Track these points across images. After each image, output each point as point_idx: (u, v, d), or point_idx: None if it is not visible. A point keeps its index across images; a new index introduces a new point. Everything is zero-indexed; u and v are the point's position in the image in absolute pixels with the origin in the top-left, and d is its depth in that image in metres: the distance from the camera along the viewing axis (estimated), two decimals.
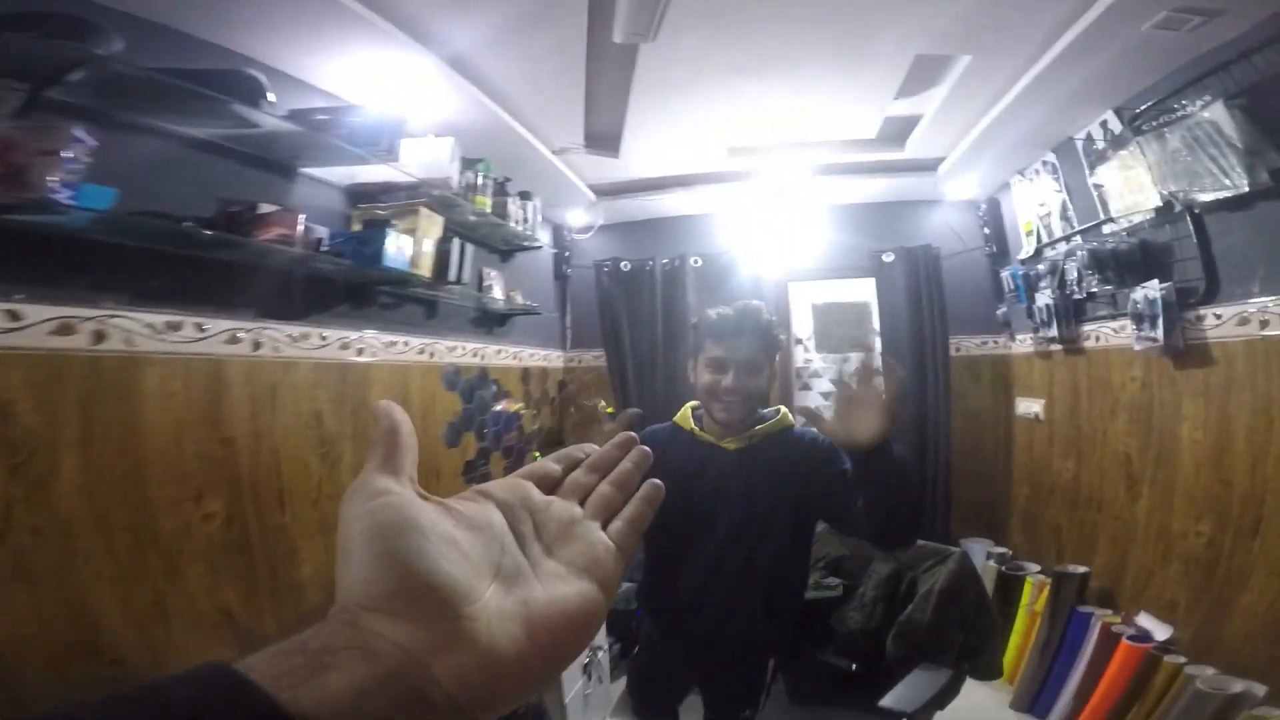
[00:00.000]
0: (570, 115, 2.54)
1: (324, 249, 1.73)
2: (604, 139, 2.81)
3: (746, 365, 1.37)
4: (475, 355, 2.76)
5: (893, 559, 2.04)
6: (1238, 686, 1.73)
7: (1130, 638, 2.14)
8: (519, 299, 2.94)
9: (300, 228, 1.62)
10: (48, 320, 1.25)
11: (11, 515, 1.18)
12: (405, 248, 1.89)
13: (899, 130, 2.84)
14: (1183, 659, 1.94)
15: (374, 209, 2.01)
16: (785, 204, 3.48)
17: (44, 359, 1.25)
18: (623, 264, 3.61)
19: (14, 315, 1.20)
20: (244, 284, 1.66)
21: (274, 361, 1.74)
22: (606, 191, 3.37)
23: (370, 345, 2.11)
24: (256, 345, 1.69)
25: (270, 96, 1.47)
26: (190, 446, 1.52)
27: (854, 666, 2.01)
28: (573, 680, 2.18)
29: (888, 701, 1.72)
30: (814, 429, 1.39)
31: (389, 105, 1.85)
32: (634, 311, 3.55)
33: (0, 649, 1.16)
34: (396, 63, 1.82)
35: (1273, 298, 1.78)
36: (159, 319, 1.45)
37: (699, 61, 2.14)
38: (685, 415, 1.54)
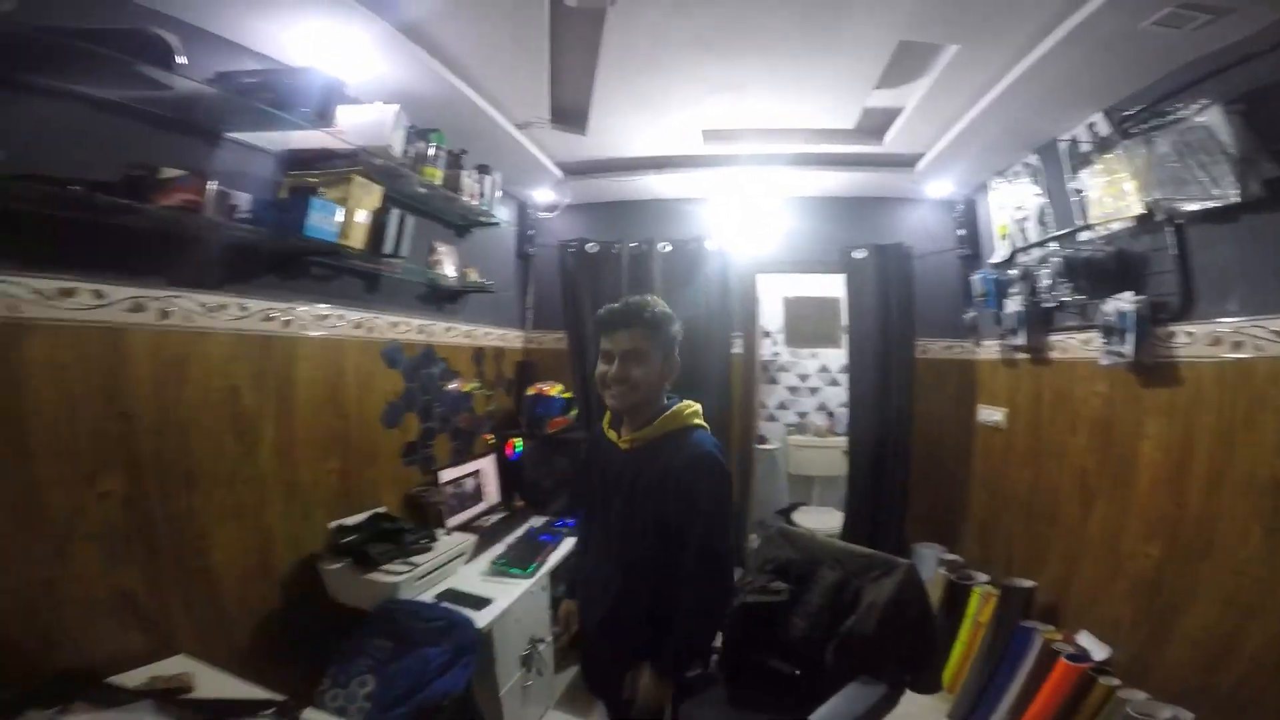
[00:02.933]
0: (535, 88, 2.41)
1: (239, 216, 1.59)
2: (571, 115, 2.67)
3: (630, 354, 1.43)
4: (421, 332, 2.65)
5: (839, 567, 2.00)
6: (1166, 713, 1.71)
7: (1068, 656, 2.12)
8: (474, 276, 2.82)
9: (210, 193, 1.51)
10: None
11: None
12: (332, 217, 1.76)
13: (878, 123, 2.74)
14: (1116, 681, 1.92)
15: (305, 176, 1.87)
16: (758, 193, 3.38)
17: None
18: (589, 245, 3.50)
19: None
20: (152, 251, 1.54)
21: (185, 332, 1.62)
22: (575, 170, 3.24)
23: (299, 318, 1.98)
24: (164, 314, 1.57)
25: (180, 58, 1.36)
26: (84, 422, 1.41)
27: (797, 673, 1.98)
28: (509, 672, 2.10)
29: (821, 714, 1.68)
30: (706, 434, 1.47)
31: (331, 71, 1.71)
32: (598, 295, 3.44)
33: None
34: (341, 26, 1.70)
35: (1248, 318, 1.71)
36: (49, 285, 1.34)
37: (663, 33, 2.01)
38: (607, 418, 1.60)
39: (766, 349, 4.79)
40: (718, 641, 1.89)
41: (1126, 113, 2.01)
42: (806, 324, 4.82)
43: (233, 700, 1.36)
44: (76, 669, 1.36)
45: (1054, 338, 2.60)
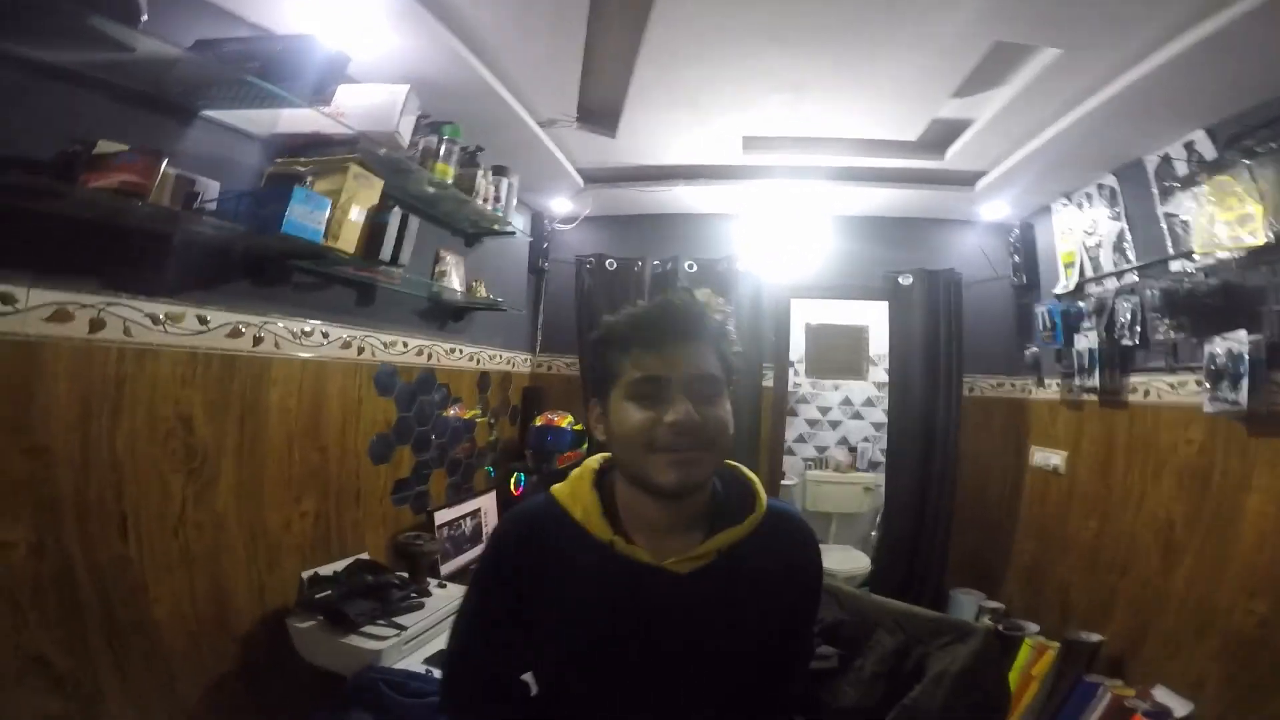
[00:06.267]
0: (564, 80, 2.12)
1: (200, 206, 1.28)
2: (601, 114, 2.39)
3: (704, 387, 0.80)
4: (421, 354, 2.32)
5: (900, 630, 1.71)
6: None
7: (1146, 713, 1.91)
8: (482, 291, 2.51)
9: (165, 177, 1.21)
10: None
11: None
12: (320, 213, 1.45)
13: (941, 136, 2.46)
14: None
15: (293, 164, 1.57)
16: (797, 209, 3.10)
17: None
18: (608, 261, 3.20)
19: None
20: (86, 246, 1.23)
21: (124, 348, 1.30)
22: (597, 177, 2.94)
23: (275, 334, 1.67)
24: (96, 325, 1.25)
25: (144, 15, 1.10)
26: None
27: None
28: None
29: None
30: (787, 507, 0.97)
31: (333, 44, 1.42)
32: None
33: None
34: None
35: None
36: None
37: (722, 20, 1.73)
38: (579, 493, 0.88)
39: (789, 380, 4.50)
40: None
41: (1240, 130, 1.76)
42: (831, 353, 4.54)
43: None
44: None
45: (1134, 379, 2.32)
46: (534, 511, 0.90)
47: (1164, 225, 2.10)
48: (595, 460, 0.93)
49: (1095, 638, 2.28)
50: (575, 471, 0.92)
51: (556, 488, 0.91)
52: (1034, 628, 2.57)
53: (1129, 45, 1.65)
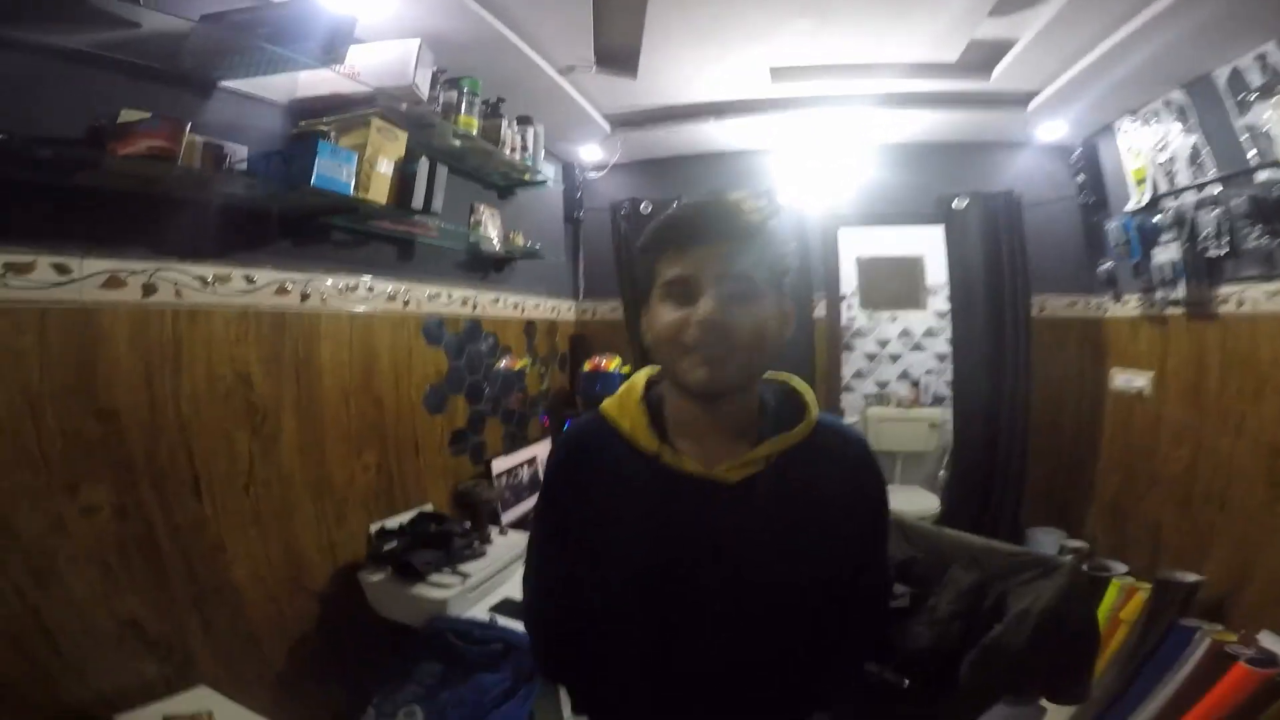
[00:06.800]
0: (577, 23, 2.05)
1: (230, 167, 1.30)
2: (619, 56, 2.30)
3: (734, 286, 0.77)
4: (465, 304, 2.35)
5: (977, 567, 1.63)
6: None
7: (1250, 660, 1.76)
8: (519, 241, 2.50)
9: (194, 144, 1.24)
10: None
11: None
12: (346, 165, 1.45)
13: (985, 56, 2.29)
14: None
15: (316, 124, 1.58)
16: (838, 139, 2.94)
17: None
18: (643, 205, 3.14)
19: None
20: (129, 215, 1.28)
21: (177, 310, 1.36)
22: (624, 121, 2.86)
23: (320, 290, 1.70)
24: (149, 290, 1.30)
25: None
26: (52, 423, 1.16)
27: (906, 683, 1.65)
28: None
29: None
30: (841, 422, 0.93)
31: (338, 7, 1.40)
32: None
33: None
34: None
35: None
36: None
37: None
38: (626, 406, 0.87)
39: (842, 313, 4.35)
40: None
41: None
42: (885, 284, 4.34)
43: None
44: (83, 706, 1.18)
45: (1225, 289, 2.13)
46: (583, 429, 0.90)
47: (1245, 137, 1.94)
48: (643, 373, 0.92)
49: (1192, 578, 2.09)
50: (624, 385, 0.91)
51: (605, 403, 0.90)
52: (1121, 568, 2.41)
53: None
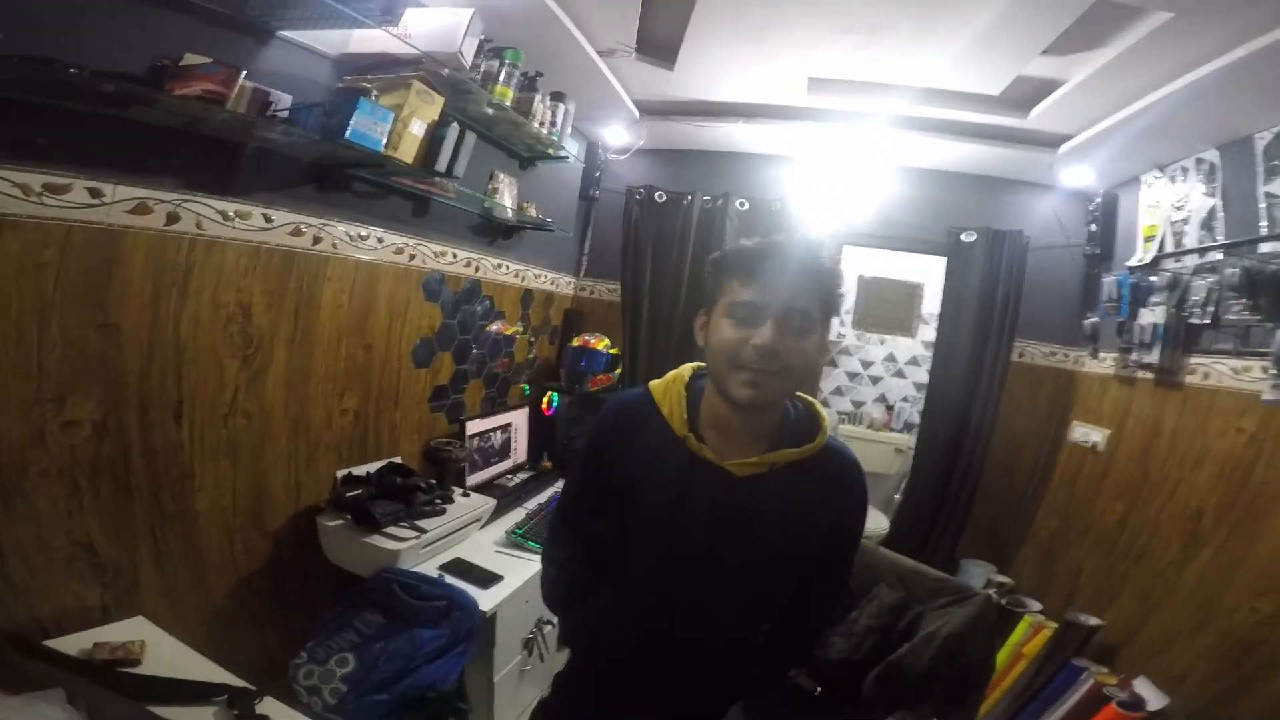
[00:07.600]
0: (625, 8, 2.07)
1: (273, 114, 1.35)
2: (660, 46, 2.33)
3: (796, 319, 0.88)
4: (469, 265, 2.40)
5: (902, 587, 1.74)
6: None
7: (1120, 703, 1.93)
8: (532, 212, 2.55)
9: (243, 89, 1.29)
10: None
11: None
12: (382, 124, 1.50)
13: (1028, 94, 2.30)
14: None
15: (360, 80, 1.62)
16: (861, 157, 2.98)
17: None
18: (658, 194, 3.18)
19: None
20: (169, 149, 1.33)
21: (195, 239, 1.41)
22: (653, 110, 2.89)
23: (333, 235, 1.76)
24: (172, 219, 1.35)
25: None
26: (56, 332, 1.20)
27: (818, 690, 1.77)
28: (509, 656, 1.91)
29: None
30: (846, 448, 1.05)
31: None
32: (662, 248, 3.14)
33: None
34: None
35: None
36: (35, 179, 1.13)
37: None
38: (670, 393, 1.01)
39: (832, 329, 4.43)
40: None
41: None
42: (881, 308, 4.43)
43: (177, 681, 1.15)
44: (16, 628, 1.18)
45: (1195, 360, 2.21)
46: (631, 401, 1.05)
47: (1263, 205, 1.96)
48: (690, 367, 1.05)
49: (1094, 621, 2.25)
50: (672, 373, 1.05)
51: (653, 384, 1.05)
52: (1036, 606, 2.55)
53: (1249, 15, 1.51)
